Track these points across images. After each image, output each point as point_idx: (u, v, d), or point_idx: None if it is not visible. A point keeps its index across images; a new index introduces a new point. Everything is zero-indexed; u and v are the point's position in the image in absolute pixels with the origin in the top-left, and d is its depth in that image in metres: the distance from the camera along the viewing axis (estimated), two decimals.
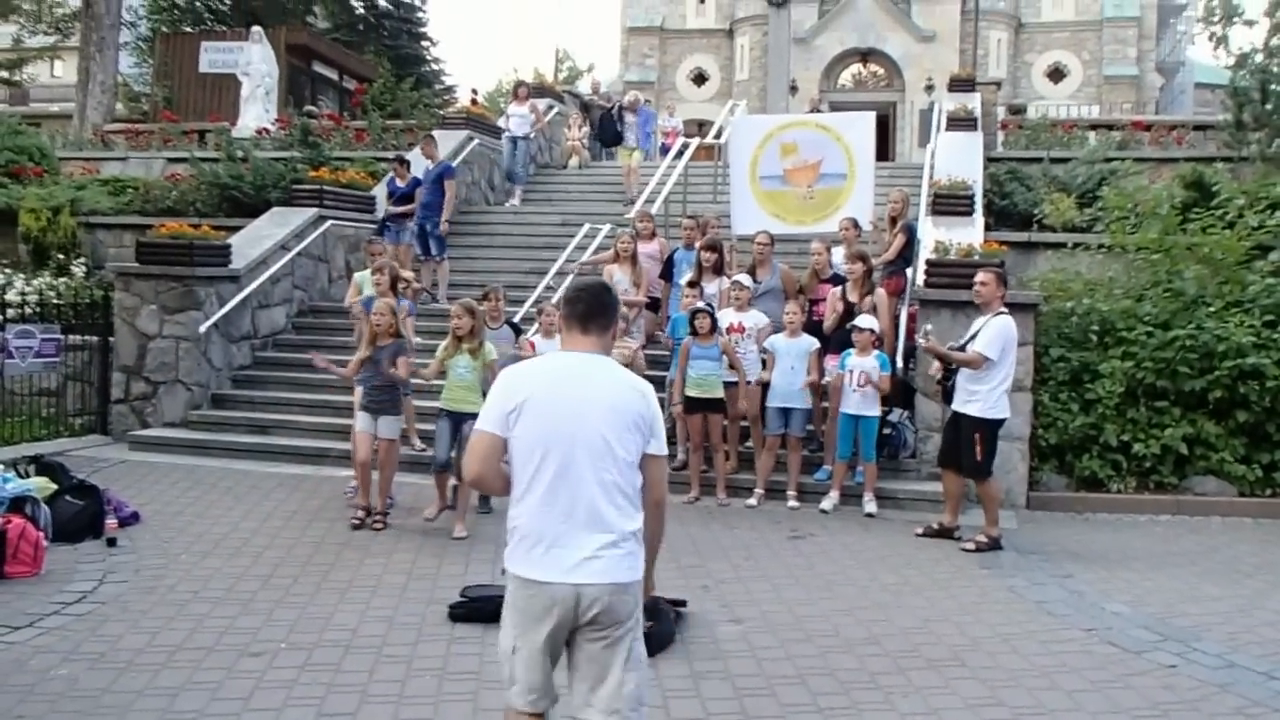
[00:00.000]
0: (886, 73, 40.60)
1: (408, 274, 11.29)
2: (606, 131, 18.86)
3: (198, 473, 9.92)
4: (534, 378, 3.52)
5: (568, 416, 3.42)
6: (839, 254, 10.55)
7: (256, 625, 5.96)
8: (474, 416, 8.05)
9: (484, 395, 8.08)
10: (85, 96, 24.50)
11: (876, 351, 9.05)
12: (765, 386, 9.41)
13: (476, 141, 16.62)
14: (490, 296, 9.18)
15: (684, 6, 44.27)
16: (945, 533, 8.30)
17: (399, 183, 13.56)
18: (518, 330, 9.31)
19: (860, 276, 9.66)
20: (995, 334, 7.96)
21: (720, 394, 9.29)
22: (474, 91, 22.39)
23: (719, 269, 10.43)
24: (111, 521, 7.78)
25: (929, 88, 34.60)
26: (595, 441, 3.40)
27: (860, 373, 8.95)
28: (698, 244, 10.65)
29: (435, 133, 15.49)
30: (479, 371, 8.22)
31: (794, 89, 37.18)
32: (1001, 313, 8.13)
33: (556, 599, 3.38)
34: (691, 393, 9.29)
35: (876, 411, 9.07)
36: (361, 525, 8.12)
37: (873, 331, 9.03)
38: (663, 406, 10.07)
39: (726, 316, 9.72)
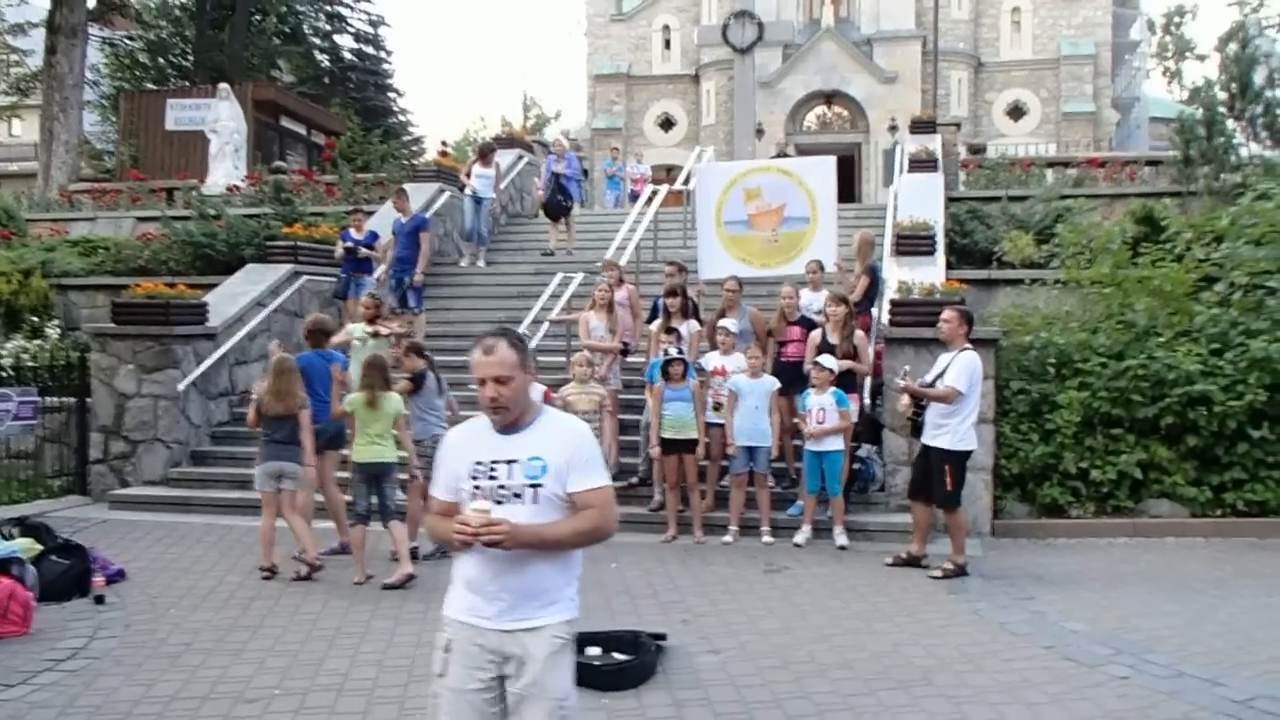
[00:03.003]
0: (850, 114, 41.41)
1: (393, 325, 11.38)
2: (551, 204, 16.65)
3: (181, 529, 10.04)
4: None
5: None
6: (806, 296, 10.86)
7: (249, 674, 6.12)
8: (387, 467, 8.21)
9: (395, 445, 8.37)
10: (49, 156, 24.44)
11: (833, 389, 9.36)
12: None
13: (448, 194, 16.87)
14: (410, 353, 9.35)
15: (650, 53, 44.99)
16: (914, 561, 8.59)
17: (354, 234, 13.60)
18: (433, 371, 9.34)
19: (841, 319, 9.95)
20: (963, 369, 8.30)
21: (694, 435, 9.57)
22: (444, 143, 22.60)
23: (685, 312, 10.72)
24: (99, 579, 7.86)
25: (893, 128, 35.30)
26: None
27: (819, 410, 9.26)
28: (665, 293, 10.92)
29: (407, 185, 15.77)
30: (383, 422, 8.34)
31: (760, 132, 37.73)
32: (966, 348, 8.47)
33: None
34: (667, 434, 9.57)
35: (840, 446, 9.37)
36: (272, 577, 8.27)
37: (831, 371, 9.34)
38: (639, 449, 10.43)
39: (712, 360, 10.02)
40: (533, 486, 3.43)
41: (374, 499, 8.33)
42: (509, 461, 3.45)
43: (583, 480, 3.46)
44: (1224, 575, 8.38)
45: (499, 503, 3.41)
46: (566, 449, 3.47)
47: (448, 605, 3.56)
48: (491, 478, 3.45)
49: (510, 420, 3.48)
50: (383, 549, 8.54)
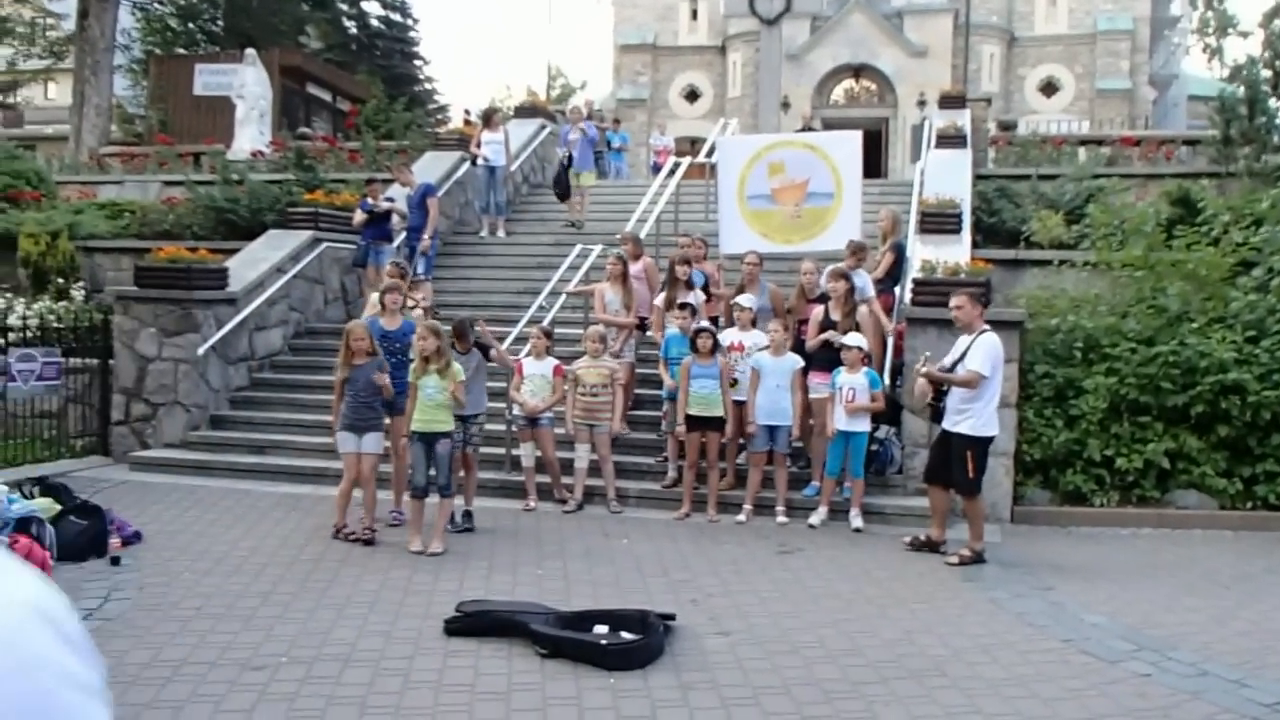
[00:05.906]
0: (879, 88, 40.88)
1: (417, 296, 11.29)
2: (560, 183, 16.35)
3: (198, 492, 10.07)
4: None
5: None
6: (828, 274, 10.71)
7: (257, 640, 6.10)
8: (446, 435, 8.30)
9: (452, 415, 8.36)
10: (80, 120, 24.62)
11: (866, 369, 9.22)
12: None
13: (469, 163, 16.73)
14: (463, 334, 9.22)
15: (676, 23, 44.49)
16: (931, 546, 8.45)
17: (370, 201, 13.50)
18: (485, 349, 9.31)
19: (843, 295, 9.81)
20: (985, 352, 8.11)
21: (720, 412, 9.45)
22: (466, 111, 22.46)
23: (690, 284, 10.56)
24: (115, 541, 7.90)
25: (921, 103, 34.82)
26: None
27: (849, 389, 9.12)
28: (674, 262, 10.75)
29: (430, 153, 15.64)
30: (448, 391, 8.32)
31: (786, 105, 37.42)
32: (985, 330, 8.29)
33: None
34: (693, 411, 9.45)
35: (866, 427, 9.25)
36: (361, 539, 8.31)
37: (861, 349, 9.20)
38: (658, 425, 10.34)
39: (728, 335, 9.92)
40: None
41: (432, 471, 8.33)
42: None
43: None
44: (1253, 571, 8.20)
45: None
46: None
47: None
48: None
49: None
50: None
